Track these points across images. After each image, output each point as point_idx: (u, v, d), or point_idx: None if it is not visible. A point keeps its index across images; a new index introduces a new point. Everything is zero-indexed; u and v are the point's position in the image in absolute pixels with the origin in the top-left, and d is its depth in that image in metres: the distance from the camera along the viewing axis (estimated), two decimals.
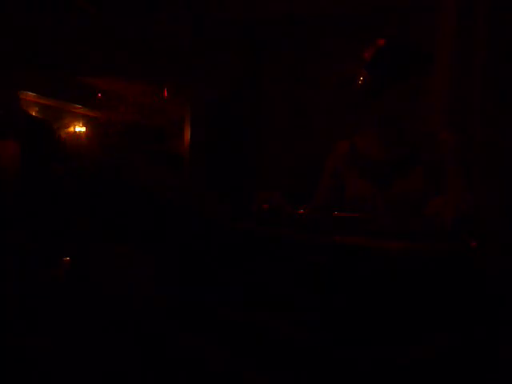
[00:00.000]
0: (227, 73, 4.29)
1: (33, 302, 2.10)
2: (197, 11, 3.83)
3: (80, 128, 8.16)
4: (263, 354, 1.18)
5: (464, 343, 1.16)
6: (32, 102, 6.90)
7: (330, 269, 1.14)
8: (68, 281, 1.94)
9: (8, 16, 3.66)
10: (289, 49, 4.35)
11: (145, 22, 4.01)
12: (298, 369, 1.10)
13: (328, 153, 2.15)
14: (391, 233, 1.33)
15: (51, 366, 1.67)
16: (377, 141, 1.79)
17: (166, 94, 6.03)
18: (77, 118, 7.99)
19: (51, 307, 1.99)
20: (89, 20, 4.06)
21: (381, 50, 1.71)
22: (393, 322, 1.04)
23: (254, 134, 4.43)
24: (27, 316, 2.04)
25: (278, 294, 1.16)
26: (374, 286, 1.06)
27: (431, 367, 1.07)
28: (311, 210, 1.84)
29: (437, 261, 1.10)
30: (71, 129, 7.95)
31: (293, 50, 4.33)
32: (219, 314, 1.39)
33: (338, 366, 1.06)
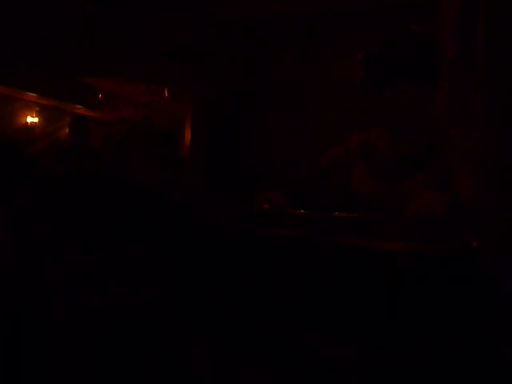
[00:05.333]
0: (228, 73, 4.29)
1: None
2: (197, 11, 3.83)
3: None
4: (263, 354, 1.18)
5: (464, 343, 1.15)
6: (32, 102, 6.90)
7: (330, 269, 1.14)
8: (68, 278, 1.94)
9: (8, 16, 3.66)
10: (289, 48, 4.36)
11: (145, 22, 4.01)
12: (298, 369, 1.11)
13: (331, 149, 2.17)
14: (391, 233, 1.33)
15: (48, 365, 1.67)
16: (390, 139, 1.81)
17: (166, 94, 6.02)
18: None
19: (51, 304, 1.99)
20: (89, 20, 4.07)
21: (374, 51, 1.74)
22: (393, 323, 1.04)
23: (254, 134, 4.43)
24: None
25: (277, 293, 1.16)
26: (373, 287, 1.06)
27: (431, 367, 1.07)
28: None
29: (437, 261, 1.10)
30: None
31: (293, 49, 4.34)
32: (219, 314, 1.39)
33: (337, 366, 1.06)
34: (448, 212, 1.50)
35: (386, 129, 1.87)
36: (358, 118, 3.63)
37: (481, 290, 1.04)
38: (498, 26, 2.35)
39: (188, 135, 4.52)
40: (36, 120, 6.98)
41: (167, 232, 1.56)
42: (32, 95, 6.63)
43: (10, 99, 6.51)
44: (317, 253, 1.16)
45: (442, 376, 1.06)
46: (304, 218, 1.48)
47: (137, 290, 1.65)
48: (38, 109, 7.00)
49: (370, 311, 1.05)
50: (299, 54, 4.29)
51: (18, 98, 6.60)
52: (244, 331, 1.28)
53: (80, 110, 7.17)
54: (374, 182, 1.77)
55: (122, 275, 1.76)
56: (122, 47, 4.28)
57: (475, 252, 1.10)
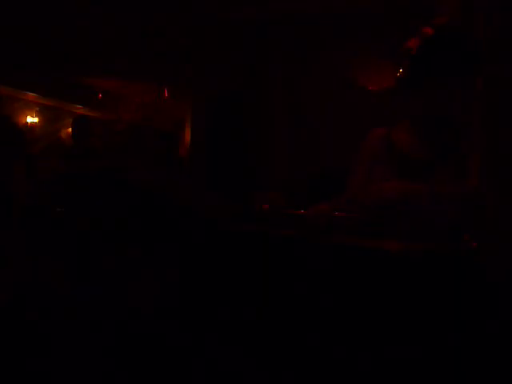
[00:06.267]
0: (228, 73, 4.30)
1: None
2: (197, 11, 3.83)
3: None
4: (264, 354, 1.18)
5: (464, 342, 1.16)
6: (32, 102, 6.90)
7: (330, 269, 1.14)
8: (67, 278, 1.94)
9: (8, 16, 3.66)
10: (290, 49, 4.36)
11: (145, 22, 4.02)
12: (298, 369, 1.11)
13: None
14: (391, 233, 1.33)
15: (53, 365, 1.67)
16: (417, 138, 1.71)
17: (166, 94, 6.03)
18: None
19: (51, 303, 1.99)
20: (89, 20, 4.07)
21: (429, 40, 1.62)
22: (393, 322, 1.04)
23: (254, 134, 4.43)
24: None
25: (278, 293, 1.16)
26: (373, 286, 1.06)
27: (430, 367, 1.07)
28: (346, 202, 1.76)
29: (437, 261, 1.10)
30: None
31: (294, 49, 4.34)
32: (219, 314, 1.39)
33: (337, 366, 1.06)
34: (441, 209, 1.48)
35: (404, 128, 1.78)
36: (359, 119, 3.63)
37: (481, 289, 1.05)
38: (498, 26, 2.35)
39: (188, 135, 4.52)
40: (36, 120, 6.98)
41: (167, 232, 1.56)
42: (32, 95, 6.64)
43: (10, 99, 6.51)
44: (317, 253, 1.16)
45: (442, 376, 1.06)
46: (304, 217, 1.47)
47: (136, 290, 1.65)
48: (37, 109, 7.01)
49: (371, 311, 1.05)
50: (299, 53, 4.30)
51: (18, 98, 6.61)
52: (244, 331, 1.28)
53: (80, 109, 7.19)
54: (393, 179, 1.69)
55: (121, 275, 1.76)
56: (121, 47, 4.29)
57: (475, 252, 1.10)
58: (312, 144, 4.14)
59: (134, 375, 1.47)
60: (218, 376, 1.19)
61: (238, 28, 4.12)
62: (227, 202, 1.56)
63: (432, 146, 1.68)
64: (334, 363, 1.05)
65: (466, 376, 1.05)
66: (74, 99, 6.96)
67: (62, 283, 1.93)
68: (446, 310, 1.13)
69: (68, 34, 4.15)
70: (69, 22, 4.06)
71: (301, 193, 2.91)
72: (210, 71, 4.22)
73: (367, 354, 1.02)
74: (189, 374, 1.25)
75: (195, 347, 1.26)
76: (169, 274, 1.50)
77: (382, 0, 3.68)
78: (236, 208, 1.55)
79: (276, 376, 1.10)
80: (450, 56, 1.57)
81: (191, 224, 1.49)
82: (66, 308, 1.88)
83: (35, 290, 2.25)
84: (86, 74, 5.65)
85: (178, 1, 3.86)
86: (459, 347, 1.15)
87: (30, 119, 6.91)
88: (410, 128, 1.74)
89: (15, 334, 2.09)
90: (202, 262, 1.42)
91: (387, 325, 1.04)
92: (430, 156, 1.66)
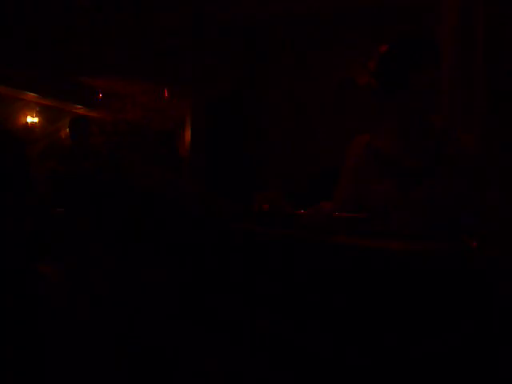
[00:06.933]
0: (228, 73, 4.30)
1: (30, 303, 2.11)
2: (197, 11, 3.83)
3: None
4: (264, 355, 1.18)
5: (464, 344, 1.16)
6: (32, 102, 6.91)
7: (330, 269, 1.15)
8: (67, 280, 1.94)
9: (8, 16, 3.66)
10: (289, 49, 4.36)
11: (145, 22, 4.02)
12: (299, 369, 1.11)
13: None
14: (391, 233, 1.33)
15: (51, 368, 1.67)
16: (398, 141, 1.74)
17: (166, 94, 6.03)
18: None
19: (50, 306, 1.99)
20: (89, 20, 4.07)
21: (383, 57, 1.69)
22: (393, 323, 1.04)
23: (254, 134, 4.43)
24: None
25: (278, 294, 1.16)
26: (373, 287, 1.06)
27: (430, 368, 1.07)
28: (335, 207, 1.78)
29: (437, 261, 1.11)
30: None
31: (293, 50, 4.34)
32: (219, 315, 1.39)
33: (338, 366, 1.06)
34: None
35: (393, 130, 1.80)
36: (359, 119, 3.63)
37: (481, 290, 1.05)
38: (498, 25, 2.35)
39: (188, 135, 4.53)
40: (36, 120, 6.99)
41: (167, 232, 1.56)
42: (32, 95, 6.64)
43: (10, 99, 6.52)
44: (317, 253, 1.16)
45: (442, 376, 1.06)
46: (304, 217, 1.47)
47: (136, 289, 1.65)
48: (37, 109, 7.02)
49: (370, 311, 1.05)
50: (299, 54, 4.30)
51: (18, 97, 6.62)
52: (244, 331, 1.28)
53: (80, 109, 7.19)
54: (381, 185, 1.72)
55: (121, 275, 1.76)
56: (121, 47, 4.29)
57: (475, 252, 1.10)
58: (312, 144, 4.14)
59: (134, 375, 1.47)
60: (218, 376, 1.19)
61: (238, 28, 4.12)
62: (227, 201, 1.56)
63: (413, 148, 1.70)
64: (334, 363, 1.05)
65: (466, 376, 1.05)
66: (74, 99, 6.97)
67: (62, 283, 1.93)
68: (446, 311, 1.13)
69: (68, 34, 4.15)
70: (69, 22, 4.06)
71: (301, 193, 2.91)
72: (209, 71, 4.22)
73: (367, 354, 1.02)
74: (189, 373, 1.25)
75: (195, 347, 1.26)
76: (169, 274, 1.50)
77: (382, 0, 3.68)
78: (236, 208, 1.55)
79: (276, 376, 1.10)
80: (406, 66, 1.62)
81: (191, 224, 1.49)
82: (65, 308, 1.88)
83: (36, 289, 2.25)
84: (85, 74, 5.65)
85: (178, 1, 3.86)
86: (458, 347, 1.15)
87: (29, 119, 6.91)
88: (390, 133, 1.77)
89: (15, 333, 2.09)
90: (202, 261, 1.42)
91: (387, 325, 1.04)
92: (414, 158, 1.68)
